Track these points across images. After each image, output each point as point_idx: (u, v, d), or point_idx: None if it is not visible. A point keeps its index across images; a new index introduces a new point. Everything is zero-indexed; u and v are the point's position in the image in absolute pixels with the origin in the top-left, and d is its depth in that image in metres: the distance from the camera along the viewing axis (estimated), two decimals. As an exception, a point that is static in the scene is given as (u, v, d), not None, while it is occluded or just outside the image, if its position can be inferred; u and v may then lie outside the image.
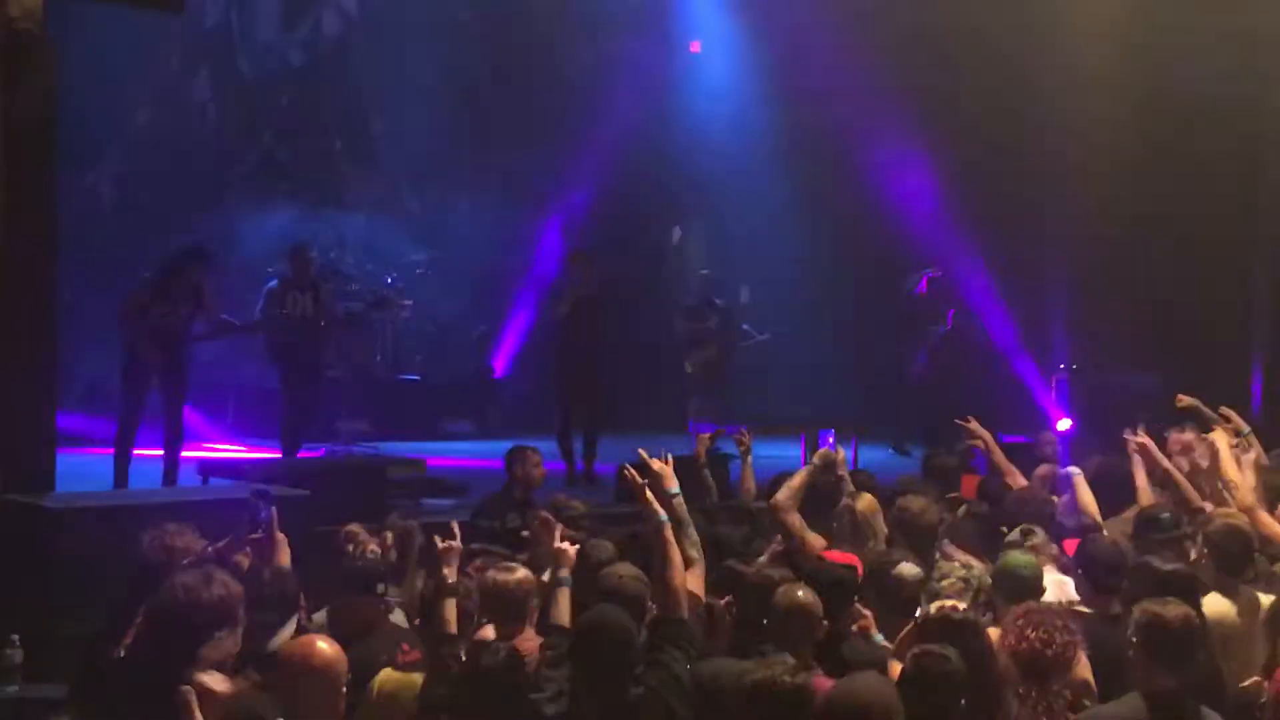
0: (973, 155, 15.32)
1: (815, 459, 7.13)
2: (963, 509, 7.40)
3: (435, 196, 15.97)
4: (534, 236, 15.82)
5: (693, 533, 5.49)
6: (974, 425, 8.42)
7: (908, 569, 5.74)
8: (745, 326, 14.54)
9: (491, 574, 5.37)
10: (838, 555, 6.08)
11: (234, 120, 15.73)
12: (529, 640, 5.13)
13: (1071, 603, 5.81)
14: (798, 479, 6.75)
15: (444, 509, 9.81)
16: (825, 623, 5.16)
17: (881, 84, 15.12)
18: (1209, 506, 6.98)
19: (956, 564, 6.27)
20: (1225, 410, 8.10)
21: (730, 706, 4.43)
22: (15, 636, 6.27)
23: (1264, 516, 6.73)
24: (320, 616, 5.60)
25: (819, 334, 15.73)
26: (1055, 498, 7.58)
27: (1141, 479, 7.32)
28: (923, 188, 15.44)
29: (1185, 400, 8.40)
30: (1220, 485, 7.15)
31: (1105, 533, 6.74)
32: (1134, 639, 4.73)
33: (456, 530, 5.30)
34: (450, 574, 5.15)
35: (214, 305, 10.27)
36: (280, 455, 11.09)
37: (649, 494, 5.30)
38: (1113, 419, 12.57)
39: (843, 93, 15.20)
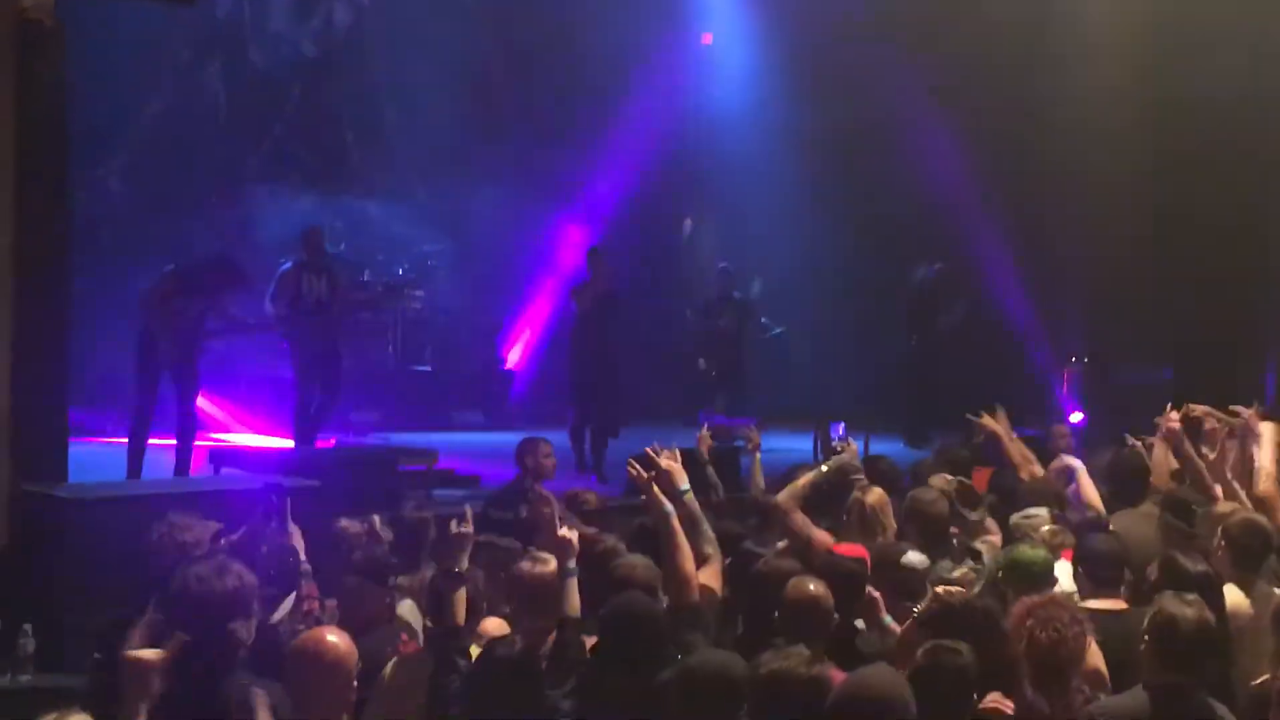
0: (989, 146, 15.32)
1: (828, 466, 7.06)
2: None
3: (447, 187, 15.96)
4: (546, 227, 15.81)
5: (707, 529, 5.49)
6: (986, 419, 8.40)
7: (915, 558, 5.78)
8: (764, 320, 14.52)
9: (526, 565, 5.28)
10: (846, 548, 6.07)
11: (245, 111, 15.73)
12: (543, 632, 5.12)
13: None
14: (803, 480, 6.72)
15: (455, 500, 9.83)
16: (836, 616, 5.16)
17: (898, 76, 15.12)
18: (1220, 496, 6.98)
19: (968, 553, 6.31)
20: (1235, 408, 8.07)
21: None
22: (28, 626, 6.29)
23: None
24: (332, 604, 5.61)
25: (832, 326, 15.73)
26: (1067, 489, 7.56)
27: (1160, 459, 7.28)
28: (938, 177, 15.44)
29: (1198, 409, 8.29)
30: (1228, 475, 7.13)
31: (1112, 526, 6.74)
32: (1147, 636, 4.72)
33: (470, 516, 5.29)
34: (463, 561, 5.13)
35: (228, 304, 10.29)
36: (293, 445, 11.08)
37: (655, 487, 5.32)
38: (1125, 412, 12.62)
39: (858, 85, 15.20)
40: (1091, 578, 5.78)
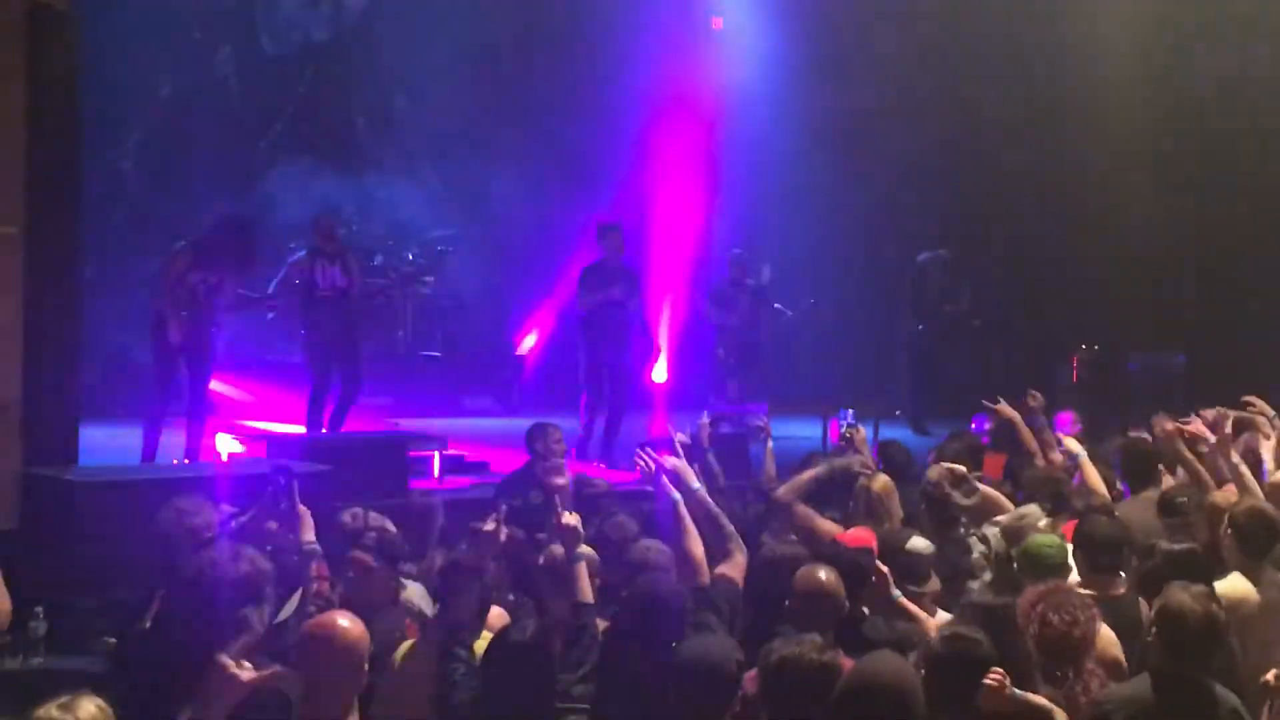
0: (1000, 130, 15.29)
1: (832, 465, 7.05)
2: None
3: (458, 171, 15.95)
4: (558, 211, 15.78)
5: (727, 524, 5.49)
6: (1004, 405, 8.42)
7: (919, 544, 5.82)
8: (777, 306, 14.52)
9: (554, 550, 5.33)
10: (854, 533, 6.09)
11: (256, 95, 15.73)
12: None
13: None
14: (807, 476, 6.72)
15: (465, 486, 9.85)
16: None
17: (907, 61, 15.08)
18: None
19: (976, 538, 6.33)
20: (1249, 398, 8.07)
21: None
22: (39, 609, 6.32)
23: None
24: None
25: (843, 311, 15.73)
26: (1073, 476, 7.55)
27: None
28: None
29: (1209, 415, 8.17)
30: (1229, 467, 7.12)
31: (1119, 512, 6.75)
32: (1154, 626, 4.72)
33: (500, 518, 5.29)
34: (486, 563, 5.14)
35: (234, 281, 10.23)
36: (305, 430, 11.06)
37: (664, 477, 5.38)
38: (1134, 399, 12.62)
39: (867, 72, 15.17)
40: (1090, 563, 5.80)
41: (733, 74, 16.14)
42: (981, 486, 6.93)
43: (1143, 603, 5.53)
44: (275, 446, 9.55)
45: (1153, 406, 8.84)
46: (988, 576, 6.17)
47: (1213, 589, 5.05)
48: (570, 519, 5.17)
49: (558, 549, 5.22)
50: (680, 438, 5.67)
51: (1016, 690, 4.31)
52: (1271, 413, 7.90)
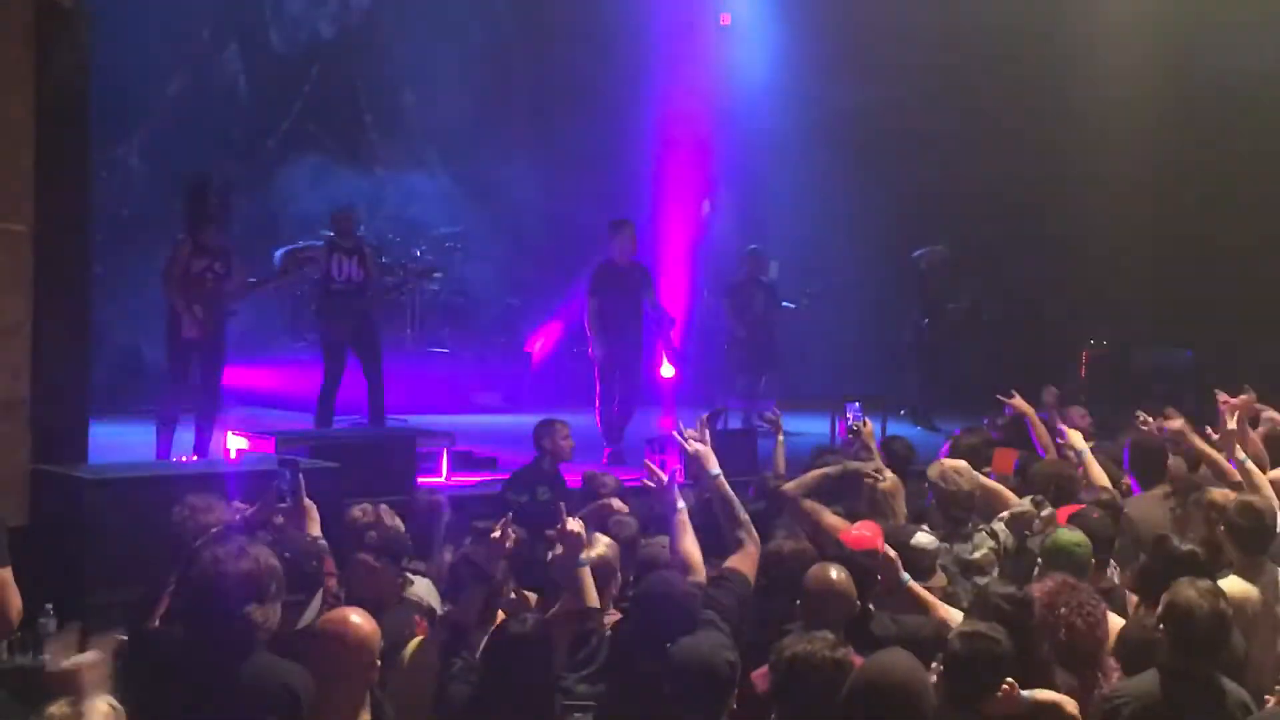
0: (1008, 127, 15.27)
1: (845, 466, 7.04)
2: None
3: (466, 168, 15.97)
4: (567, 207, 15.77)
5: (742, 514, 5.49)
6: (1017, 399, 8.41)
7: (924, 539, 5.83)
8: (786, 304, 14.49)
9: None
10: (862, 525, 6.08)
11: (264, 92, 15.75)
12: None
13: None
14: (813, 475, 6.71)
15: (472, 482, 9.86)
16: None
17: (914, 57, 15.07)
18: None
19: (985, 533, 6.33)
20: (1244, 387, 8.07)
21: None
22: (49, 606, 6.33)
23: None
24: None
25: (850, 307, 15.72)
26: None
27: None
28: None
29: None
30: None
31: (1127, 509, 6.76)
32: (1162, 622, 4.73)
33: (511, 527, 5.30)
34: (496, 569, 5.15)
35: (241, 268, 10.24)
36: (314, 424, 11.07)
37: (667, 479, 5.42)
38: (1142, 394, 12.60)
39: (874, 67, 15.16)
40: None
41: (740, 70, 16.15)
42: (986, 481, 6.93)
43: (1130, 596, 5.57)
44: (283, 442, 9.55)
45: (1161, 403, 8.82)
46: (995, 572, 6.18)
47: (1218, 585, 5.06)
48: (575, 525, 5.17)
49: (562, 552, 5.23)
50: (677, 435, 5.64)
51: (1024, 693, 4.32)
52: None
